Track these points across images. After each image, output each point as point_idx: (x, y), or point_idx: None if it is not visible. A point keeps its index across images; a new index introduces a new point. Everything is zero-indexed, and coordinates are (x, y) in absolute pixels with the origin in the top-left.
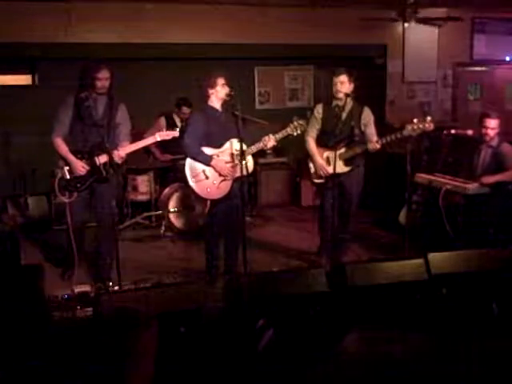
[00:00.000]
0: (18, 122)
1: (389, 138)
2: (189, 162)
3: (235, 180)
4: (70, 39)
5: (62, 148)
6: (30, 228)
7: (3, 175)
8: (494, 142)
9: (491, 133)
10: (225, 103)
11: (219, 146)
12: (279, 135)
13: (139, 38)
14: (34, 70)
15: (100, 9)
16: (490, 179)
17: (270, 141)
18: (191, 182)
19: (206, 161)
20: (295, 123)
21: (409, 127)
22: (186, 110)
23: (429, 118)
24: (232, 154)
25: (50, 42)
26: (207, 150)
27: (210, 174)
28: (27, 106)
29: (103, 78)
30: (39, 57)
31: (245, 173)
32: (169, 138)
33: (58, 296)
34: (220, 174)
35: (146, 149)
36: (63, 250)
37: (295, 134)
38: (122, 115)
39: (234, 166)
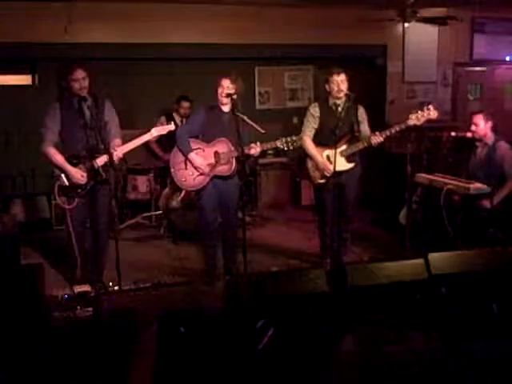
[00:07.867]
0: (18, 122)
1: (393, 130)
2: (175, 150)
3: (214, 178)
4: (70, 39)
5: (57, 158)
6: (30, 228)
7: (3, 175)
8: (490, 141)
9: (475, 129)
10: (232, 104)
11: (208, 142)
12: (267, 146)
13: (139, 38)
14: (34, 70)
15: (100, 9)
16: (498, 197)
17: (256, 149)
18: (172, 170)
19: (186, 152)
20: (288, 138)
21: (413, 116)
22: (185, 104)
23: (431, 106)
24: (216, 152)
25: (50, 42)
26: (194, 143)
27: (189, 165)
28: (27, 106)
29: (79, 79)
30: (39, 57)
31: (226, 173)
32: (165, 132)
33: (58, 296)
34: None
35: (148, 149)
36: (64, 251)
37: (285, 148)
38: (108, 112)
39: (213, 165)
